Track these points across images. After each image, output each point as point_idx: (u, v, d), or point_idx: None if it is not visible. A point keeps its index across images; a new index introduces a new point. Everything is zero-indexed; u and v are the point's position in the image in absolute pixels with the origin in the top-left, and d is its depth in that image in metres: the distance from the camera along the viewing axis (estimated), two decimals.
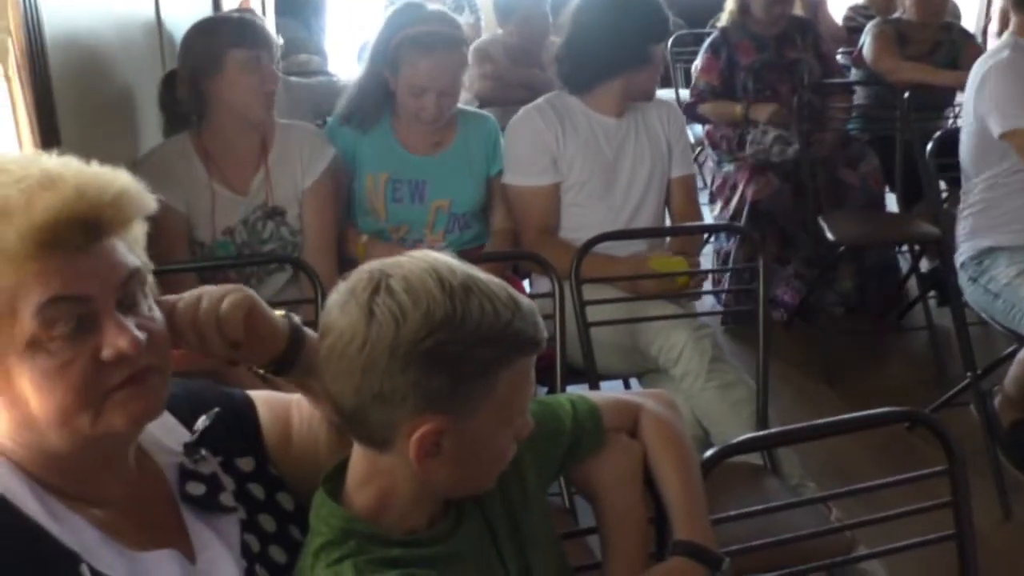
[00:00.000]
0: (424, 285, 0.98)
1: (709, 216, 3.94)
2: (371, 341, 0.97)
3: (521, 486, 1.18)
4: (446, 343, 0.97)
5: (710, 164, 4.11)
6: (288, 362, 1.10)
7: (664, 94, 5.27)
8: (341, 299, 1.02)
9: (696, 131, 4.41)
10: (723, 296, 3.82)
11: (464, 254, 2.45)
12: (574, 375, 2.21)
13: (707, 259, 4.20)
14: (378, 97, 2.49)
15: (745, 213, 3.65)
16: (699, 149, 4.48)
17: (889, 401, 3.24)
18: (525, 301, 1.03)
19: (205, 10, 4.59)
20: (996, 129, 2.63)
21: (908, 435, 3.10)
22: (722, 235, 3.90)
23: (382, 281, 1.00)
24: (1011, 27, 2.77)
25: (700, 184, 4.28)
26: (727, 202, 3.81)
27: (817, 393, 3.40)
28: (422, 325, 0.96)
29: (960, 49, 4.12)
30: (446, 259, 1.03)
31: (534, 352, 1.04)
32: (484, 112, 2.79)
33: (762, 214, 3.65)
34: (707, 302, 3.67)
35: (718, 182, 3.93)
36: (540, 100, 2.62)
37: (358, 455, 1.08)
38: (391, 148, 2.51)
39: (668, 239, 2.60)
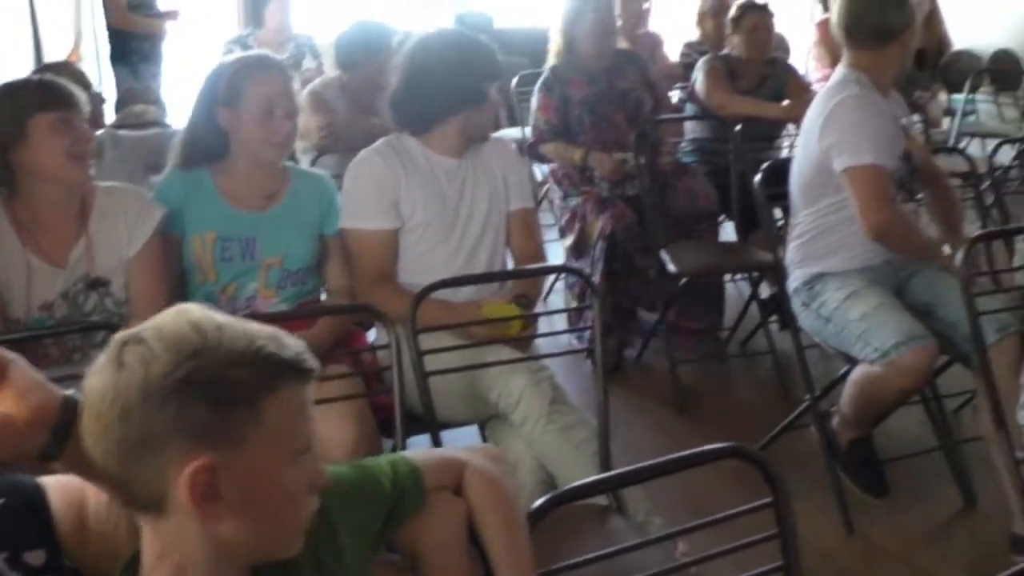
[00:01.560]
0: (175, 329, 0.97)
1: (561, 250, 3.99)
2: (122, 389, 0.95)
3: (336, 554, 1.14)
4: (198, 369, 0.95)
5: (557, 200, 4.16)
6: (61, 439, 1.04)
7: (511, 132, 5.35)
8: (96, 366, 0.99)
9: (543, 168, 4.47)
10: (587, 334, 3.83)
11: (300, 307, 2.43)
12: (418, 425, 2.18)
13: (559, 296, 4.26)
14: (211, 139, 2.41)
15: (599, 246, 3.69)
16: (546, 186, 4.53)
17: (739, 425, 3.39)
18: (290, 338, 1.03)
19: (28, 64, 4.42)
20: (838, 163, 2.70)
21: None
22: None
23: (133, 336, 0.98)
24: (845, 60, 2.85)
25: (551, 220, 4.34)
26: (577, 235, 3.86)
27: (670, 422, 3.45)
28: (171, 359, 0.95)
29: (785, 82, 4.33)
30: (205, 310, 1.01)
31: (297, 379, 1.01)
32: (319, 171, 2.71)
33: (617, 245, 3.70)
34: (562, 341, 3.69)
35: (566, 216, 3.97)
36: (379, 142, 2.59)
37: (147, 535, 1.03)
38: (217, 206, 2.42)
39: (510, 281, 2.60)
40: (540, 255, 2.66)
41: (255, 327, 1.00)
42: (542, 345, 2.54)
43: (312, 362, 1.03)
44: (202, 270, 2.40)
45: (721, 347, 3.99)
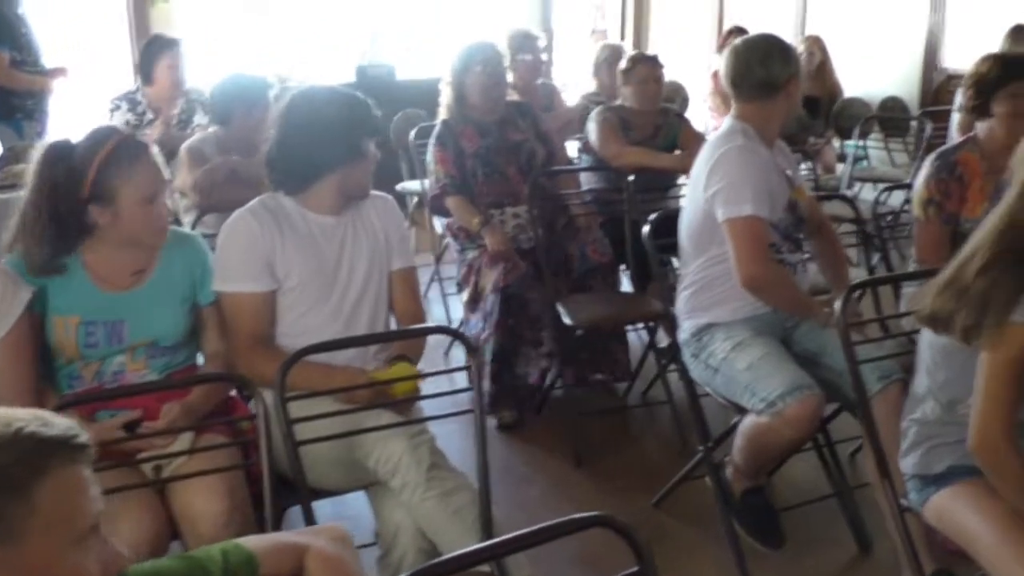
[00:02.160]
0: None
1: (459, 303, 3.94)
2: None
3: None
4: None
5: (454, 254, 4.11)
6: None
7: (410, 185, 5.31)
8: None
9: (442, 221, 4.41)
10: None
11: (168, 377, 2.31)
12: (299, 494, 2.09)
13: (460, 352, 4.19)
14: (74, 235, 2.22)
15: (492, 300, 3.65)
16: (444, 240, 4.49)
17: (638, 478, 3.36)
18: (58, 417, 0.97)
19: None
20: (719, 213, 2.72)
21: (656, 513, 3.16)
22: (474, 323, 3.87)
23: None
24: (733, 111, 2.88)
25: (452, 273, 4.28)
26: (472, 288, 3.81)
27: (569, 478, 3.40)
28: None
29: (677, 132, 4.37)
30: None
31: (69, 457, 0.94)
32: (191, 234, 2.55)
33: (512, 297, 3.66)
34: (462, 400, 3.61)
35: (463, 270, 3.92)
36: (254, 202, 2.51)
37: None
38: (82, 287, 2.24)
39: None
40: (421, 316, 2.59)
41: (15, 411, 0.93)
42: (427, 407, 2.46)
43: (83, 437, 0.95)
44: (64, 353, 2.24)
45: (621, 398, 3.97)
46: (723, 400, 2.80)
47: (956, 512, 2.04)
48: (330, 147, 2.44)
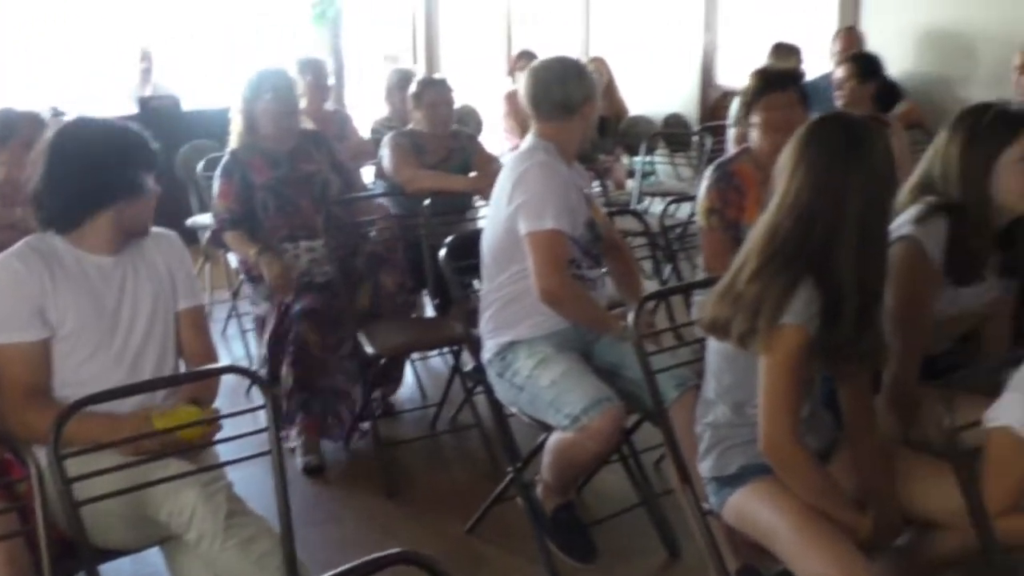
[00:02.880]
0: None
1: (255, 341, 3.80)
2: None
3: None
4: None
5: (248, 292, 3.97)
6: None
7: (201, 219, 5.10)
8: None
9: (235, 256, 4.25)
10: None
11: None
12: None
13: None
14: None
15: (291, 335, 3.53)
16: (240, 275, 4.33)
17: (452, 505, 3.32)
18: None
19: None
20: (522, 227, 2.75)
21: (470, 539, 3.13)
22: (272, 358, 3.74)
23: None
24: (533, 130, 2.91)
25: (250, 308, 4.12)
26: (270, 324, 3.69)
27: (380, 511, 3.32)
28: None
29: (471, 154, 4.40)
30: None
31: None
32: None
33: (311, 329, 3.54)
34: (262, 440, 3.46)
35: (259, 307, 3.79)
36: (20, 244, 2.31)
37: None
38: None
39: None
40: (212, 356, 2.47)
41: None
42: (225, 451, 2.34)
43: None
44: None
45: (430, 425, 3.94)
46: (529, 419, 2.80)
47: (752, 510, 2.11)
48: (103, 182, 2.29)
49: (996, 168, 2.23)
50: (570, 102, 2.84)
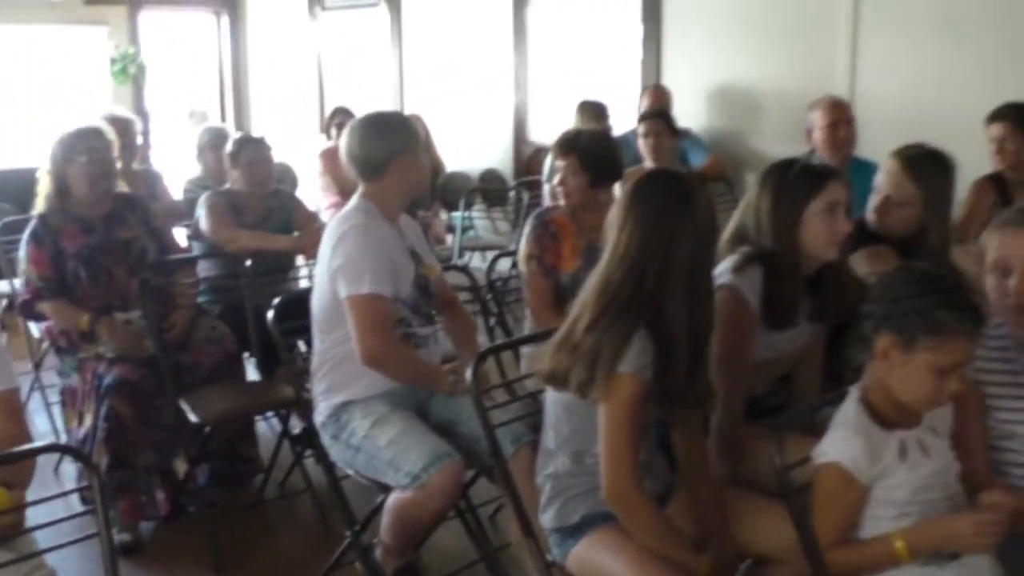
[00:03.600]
0: None
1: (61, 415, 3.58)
2: None
3: None
4: None
5: (54, 363, 3.73)
6: None
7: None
8: None
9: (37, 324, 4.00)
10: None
11: None
12: None
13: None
14: None
15: (103, 410, 3.32)
16: (43, 344, 4.08)
17: (285, 574, 3.21)
18: None
19: None
20: (341, 291, 2.73)
21: None
22: (83, 435, 3.51)
23: None
24: (360, 190, 2.89)
25: (55, 380, 3.86)
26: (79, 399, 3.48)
27: None
28: None
29: (291, 212, 4.33)
30: None
31: None
32: None
33: (128, 401, 3.35)
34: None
35: (66, 381, 3.57)
36: None
37: None
38: None
39: None
40: (26, 438, 2.30)
41: None
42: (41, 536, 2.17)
43: None
44: None
45: (257, 493, 3.80)
46: (366, 479, 2.75)
47: (595, 559, 2.14)
48: None
49: (803, 219, 2.38)
50: (374, 161, 2.83)
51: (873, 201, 2.86)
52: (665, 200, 2.09)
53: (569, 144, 3.28)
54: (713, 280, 2.21)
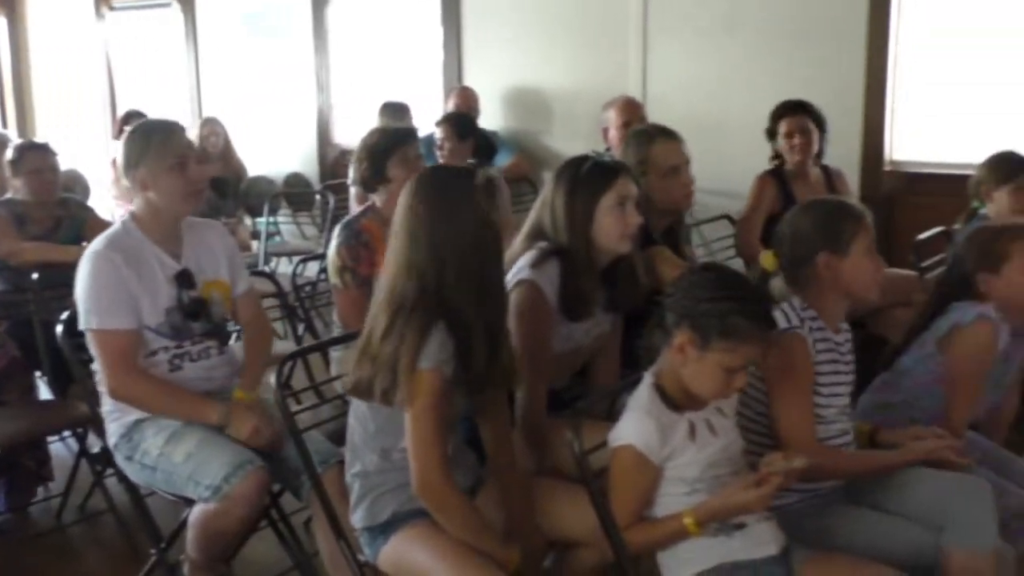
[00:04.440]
0: None
1: None
2: None
3: None
4: None
5: None
6: None
7: None
8: None
9: None
10: None
11: None
12: None
13: None
14: None
15: None
16: None
17: None
18: None
19: None
20: (80, 323, 2.64)
21: None
22: None
23: None
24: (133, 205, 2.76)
25: None
26: None
27: None
28: None
29: (83, 222, 4.13)
30: None
31: None
32: None
33: None
34: None
35: None
36: None
37: None
38: None
39: None
40: None
41: None
42: None
43: None
44: None
45: (56, 517, 3.61)
46: (171, 496, 2.66)
47: (408, 556, 2.15)
48: None
49: (595, 213, 2.47)
50: (127, 173, 2.68)
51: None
52: (434, 198, 2.12)
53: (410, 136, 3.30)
54: (502, 268, 2.26)
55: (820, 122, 4.21)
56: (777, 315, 2.21)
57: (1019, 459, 2.65)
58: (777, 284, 2.33)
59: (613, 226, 2.47)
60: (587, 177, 2.49)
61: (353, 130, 6.55)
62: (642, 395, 2.05)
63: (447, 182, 2.16)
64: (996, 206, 3.55)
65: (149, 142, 2.66)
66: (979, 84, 4.75)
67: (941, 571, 2.13)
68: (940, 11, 4.84)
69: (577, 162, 2.54)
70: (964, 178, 3.78)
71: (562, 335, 2.52)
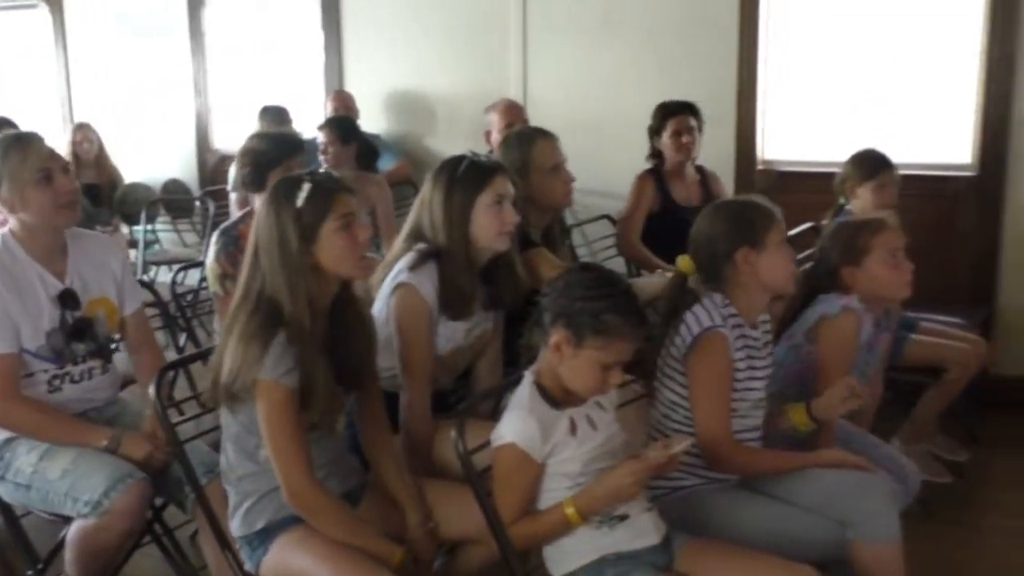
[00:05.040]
0: None
1: None
2: None
3: None
4: None
5: None
6: None
7: None
8: None
9: None
10: None
11: None
12: None
13: None
14: None
15: None
16: None
17: None
18: None
19: None
20: None
21: None
22: None
23: None
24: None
25: None
26: None
27: None
28: None
29: None
30: None
31: None
32: None
33: None
34: None
35: None
36: None
37: None
38: None
39: None
40: None
41: None
42: None
43: None
44: None
45: None
46: (48, 515, 2.58)
47: (289, 563, 2.15)
48: None
49: (473, 212, 2.50)
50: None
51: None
52: (268, 205, 2.14)
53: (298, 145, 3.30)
54: (332, 280, 2.20)
55: (702, 123, 4.32)
56: (699, 313, 2.29)
57: (885, 445, 2.79)
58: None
59: (491, 224, 2.50)
60: (464, 176, 2.52)
61: (233, 135, 6.43)
62: (523, 393, 2.09)
63: (276, 190, 2.17)
64: (860, 202, 3.71)
65: (6, 159, 2.54)
66: (844, 83, 4.92)
67: (851, 565, 2.21)
68: (807, 11, 5.00)
69: (454, 162, 2.56)
70: (831, 175, 3.93)
71: (444, 336, 2.54)
